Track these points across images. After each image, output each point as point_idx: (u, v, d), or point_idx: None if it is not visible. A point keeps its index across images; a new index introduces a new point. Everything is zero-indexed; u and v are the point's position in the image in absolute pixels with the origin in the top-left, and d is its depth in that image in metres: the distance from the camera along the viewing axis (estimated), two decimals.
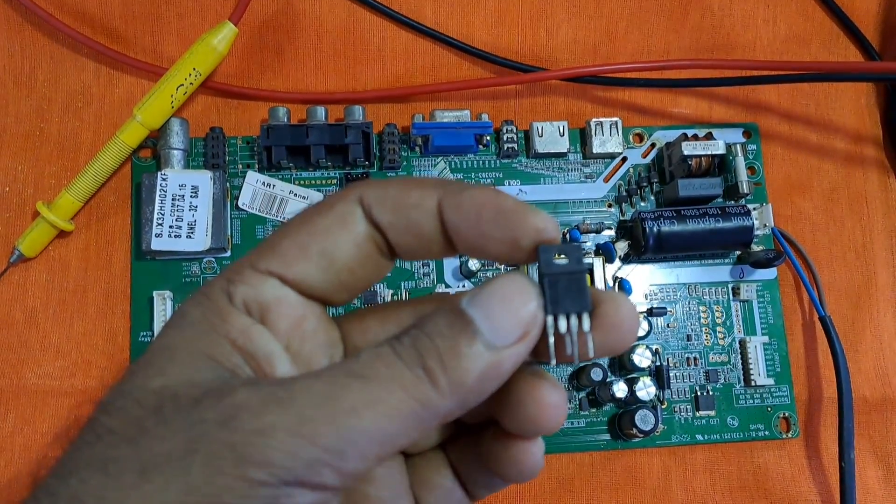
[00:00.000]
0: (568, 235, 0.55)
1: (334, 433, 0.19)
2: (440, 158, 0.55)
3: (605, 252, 0.55)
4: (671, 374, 0.54)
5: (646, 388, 0.52)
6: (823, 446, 0.53)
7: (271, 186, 0.52)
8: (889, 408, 0.54)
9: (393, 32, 0.55)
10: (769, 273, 0.55)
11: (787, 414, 0.53)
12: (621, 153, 0.56)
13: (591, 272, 0.50)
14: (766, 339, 0.54)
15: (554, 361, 0.21)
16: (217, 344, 0.22)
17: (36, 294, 0.49)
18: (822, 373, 0.53)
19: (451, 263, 0.52)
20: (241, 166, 0.54)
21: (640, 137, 0.58)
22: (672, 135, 0.58)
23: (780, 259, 0.52)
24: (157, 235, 0.48)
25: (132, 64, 0.52)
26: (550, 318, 0.21)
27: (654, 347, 0.55)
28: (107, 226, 0.50)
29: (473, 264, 0.50)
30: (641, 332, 0.54)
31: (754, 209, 0.54)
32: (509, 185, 0.56)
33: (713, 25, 0.58)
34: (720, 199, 0.54)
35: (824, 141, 0.57)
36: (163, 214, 0.48)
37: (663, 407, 0.52)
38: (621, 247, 0.55)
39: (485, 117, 0.54)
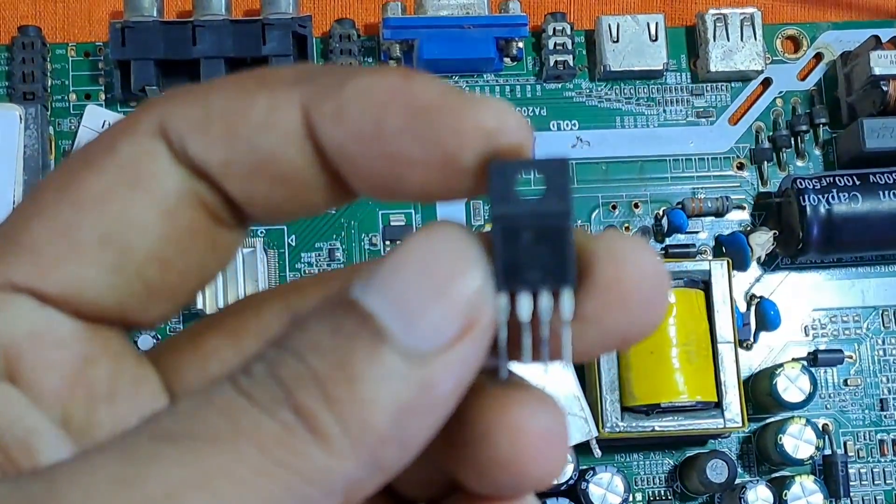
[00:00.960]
0: (664, 218, 0.54)
1: None
2: None
3: (733, 251, 0.54)
4: (851, 472, 0.52)
5: (806, 497, 0.50)
6: None
7: None
8: None
9: None
10: None
11: None
12: (761, 72, 0.56)
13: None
14: None
15: (528, 361, 0.22)
16: None
17: None
18: None
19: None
20: (74, 96, 0.54)
21: (795, 43, 0.57)
22: (852, 38, 0.56)
23: None
24: None
25: None
26: (504, 298, 0.21)
27: (819, 423, 0.53)
28: None
29: None
30: (800, 396, 0.52)
31: None
32: (559, 128, 0.56)
33: None
34: None
35: None
36: None
37: None
38: (761, 241, 0.54)
39: (515, 7, 0.54)
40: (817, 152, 0.56)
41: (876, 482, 0.53)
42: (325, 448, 0.20)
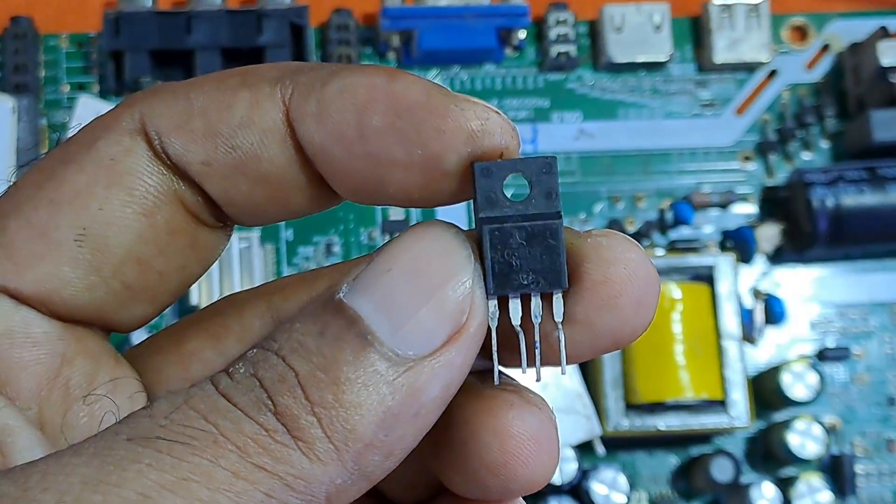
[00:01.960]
0: (668, 212, 0.54)
1: None
2: (434, 71, 0.56)
3: (739, 245, 0.54)
4: (858, 470, 0.52)
5: (812, 496, 0.50)
6: None
7: None
8: None
9: None
10: None
11: None
12: (767, 63, 0.56)
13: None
14: None
15: (538, 374, 0.22)
16: None
17: None
18: None
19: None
20: (67, 87, 0.54)
21: (802, 33, 0.57)
22: (860, 27, 0.56)
23: None
24: None
25: None
26: (494, 303, 0.22)
27: (826, 421, 0.53)
28: None
29: None
30: (807, 393, 0.52)
31: None
32: (563, 119, 0.56)
33: None
34: None
35: None
36: None
37: None
38: (768, 235, 0.54)
39: None
40: (825, 144, 0.56)
41: (884, 480, 0.53)
42: (306, 453, 0.20)
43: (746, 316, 0.52)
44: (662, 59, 0.55)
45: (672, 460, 0.53)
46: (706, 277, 0.51)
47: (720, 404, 0.49)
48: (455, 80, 0.55)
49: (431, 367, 0.21)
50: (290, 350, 0.21)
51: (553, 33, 0.55)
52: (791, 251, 0.54)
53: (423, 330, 0.21)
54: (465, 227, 0.23)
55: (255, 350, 0.22)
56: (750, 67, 0.56)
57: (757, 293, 0.54)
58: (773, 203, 0.55)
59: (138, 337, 0.50)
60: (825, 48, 0.57)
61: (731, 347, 0.50)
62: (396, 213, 0.55)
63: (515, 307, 0.22)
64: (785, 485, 0.51)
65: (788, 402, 0.50)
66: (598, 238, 0.22)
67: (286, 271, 0.53)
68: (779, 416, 0.52)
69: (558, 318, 0.22)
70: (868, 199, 0.52)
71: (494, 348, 0.22)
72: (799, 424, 0.51)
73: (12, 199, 0.24)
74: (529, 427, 0.23)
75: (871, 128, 0.53)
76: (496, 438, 0.23)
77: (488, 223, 0.22)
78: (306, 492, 0.20)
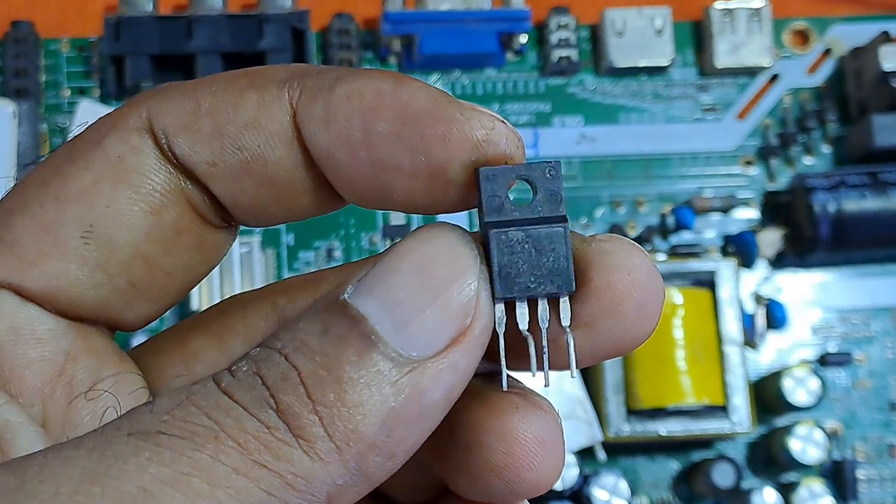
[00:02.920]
0: (669, 216, 0.54)
1: None
2: (435, 76, 0.56)
3: (740, 250, 0.54)
4: (860, 476, 0.53)
5: (814, 501, 0.50)
6: None
7: None
8: None
9: None
10: None
11: None
12: (769, 67, 0.56)
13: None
14: None
15: (546, 378, 0.22)
16: None
17: None
18: None
19: None
20: (68, 91, 0.54)
21: (804, 37, 0.57)
22: (862, 32, 0.57)
23: None
24: None
25: None
26: (501, 308, 0.22)
27: (828, 427, 0.53)
28: None
29: None
30: (808, 398, 0.52)
31: None
32: (564, 124, 0.56)
33: None
34: None
35: None
36: None
37: None
38: (770, 240, 0.54)
39: (517, 1, 0.55)
40: (826, 149, 0.56)
41: (885, 486, 0.53)
42: (308, 451, 0.20)
43: (748, 321, 0.52)
44: (664, 64, 0.55)
45: (673, 466, 0.53)
46: (707, 282, 0.51)
47: (721, 409, 0.49)
48: (456, 85, 0.55)
49: (435, 368, 0.21)
50: (293, 349, 0.21)
51: (554, 38, 0.55)
52: (793, 256, 0.54)
53: (428, 331, 0.21)
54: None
55: (258, 349, 0.22)
56: (751, 72, 0.56)
57: (758, 298, 0.54)
58: (775, 208, 0.55)
59: (137, 340, 0.50)
60: (827, 52, 0.57)
61: (733, 352, 0.49)
62: (397, 218, 0.55)
63: (523, 312, 0.22)
64: (786, 490, 0.51)
65: (790, 408, 0.50)
66: (601, 243, 0.22)
67: (287, 276, 0.52)
68: (780, 422, 0.52)
69: (565, 322, 0.22)
70: (870, 203, 0.52)
71: (502, 354, 0.22)
72: (800, 430, 0.51)
73: (19, 196, 0.24)
74: (535, 430, 0.23)
75: (873, 132, 0.53)
76: (502, 441, 0.23)
77: (494, 227, 0.22)
78: (307, 491, 0.20)
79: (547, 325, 0.22)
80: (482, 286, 0.22)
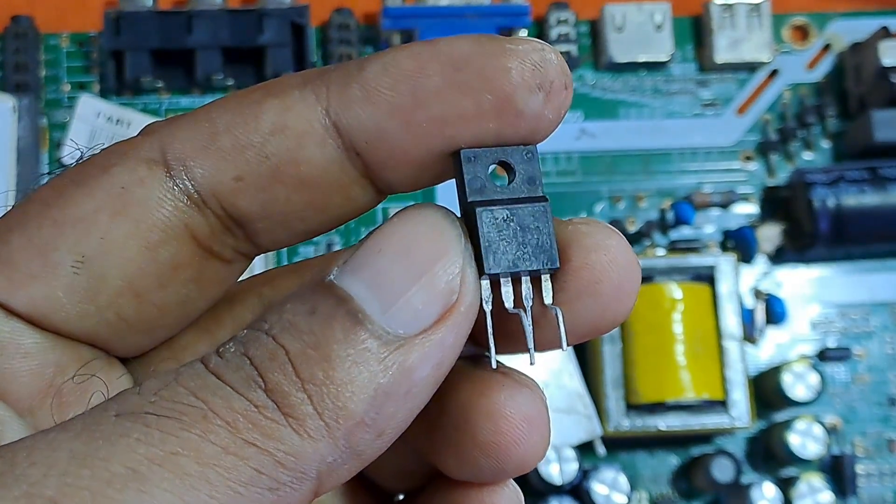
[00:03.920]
0: (669, 212, 0.55)
1: None
2: None
3: (740, 245, 0.54)
4: (859, 470, 0.53)
5: (813, 496, 0.50)
6: None
7: (123, 124, 0.53)
8: None
9: None
10: None
11: None
12: (768, 63, 0.56)
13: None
14: None
15: (532, 357, 0.23)
16: None
17: None
18: None
19: None
20: (68, 86, 0.54)
21: (804, 33, 0.57)
22: (861, 27, 0.57)
23: None
24: None
25: None
26: (487, 284, 0.22)
27: (827, 422, 0.53)
28: None
29: None
30: (808, 393, 0.52)
31: None
32: (564, 119, 0.55)
33: None
34: None
35: None
36: None
37: None
38: (769, 235, 0.54)
39: None
40: (826, 144, 0.56)
41: (885, 481, 0.53)
42: (297, 429, 0.20)
43: (747, 316, 0.52)
44: (663, 59, 0.55)
45: (673, 460, 0.53)
46: (707, 277, 0.51)
47: (721, 404, 0.49)
48: None
49: (422, 345, 0.21)
50: (280, 329, 0.21)
51: (554, 33, 0.55)
52: (792, 251, 0.54)
53: (414, 309, 0.21)
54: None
55: (245, 331, 0.22)
56: (751, 67, 0.56)
57: (758, 293, 0.54)
58: (774, 203, 0.55)
59: None
60: (826, 48, 0.57)
61: (732, 347, 0.50)
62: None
63: (508, 290, 0.22)
64: (786, 485, 0.51)
65: (789, 403, 0.50)
66: (578, 225, 0.23)
67: None
68: (780, 417, 0.52)
69: (548, 299, 0.22)
70: (869, 199, 0.52)
71: (490, 331, 0.22)
72: (800, 424, 0.51)
73: (21, 213, 0.24)
74: (521, 407, 0.23)
75: (873, 128, 0.53)
76: (489, 419, 0.23)
77: (478, 206, 0.22)
78: (296, 468, 0.20)
79: (531, 304, 0.22)
80: (467, 263, 0.22)
